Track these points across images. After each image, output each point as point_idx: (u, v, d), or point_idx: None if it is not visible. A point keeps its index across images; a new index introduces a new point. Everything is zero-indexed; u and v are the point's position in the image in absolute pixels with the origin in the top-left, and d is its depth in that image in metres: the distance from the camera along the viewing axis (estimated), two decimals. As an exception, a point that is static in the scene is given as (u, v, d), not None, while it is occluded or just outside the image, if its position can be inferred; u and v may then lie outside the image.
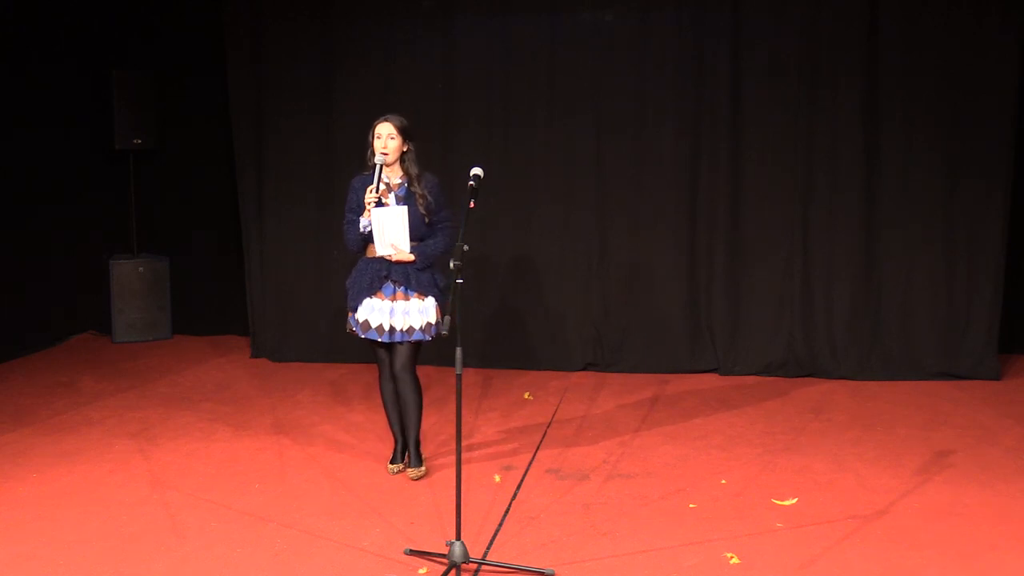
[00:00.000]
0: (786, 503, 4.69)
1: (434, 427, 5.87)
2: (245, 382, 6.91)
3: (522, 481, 5.00)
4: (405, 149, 4.87)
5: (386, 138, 4.82)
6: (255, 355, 7.56)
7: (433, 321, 4.90)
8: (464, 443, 4.81)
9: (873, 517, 4.52)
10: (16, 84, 7.34)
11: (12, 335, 7.36)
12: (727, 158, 6.98)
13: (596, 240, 7.18)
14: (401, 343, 4.88)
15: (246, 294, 7.65)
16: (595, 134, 7.10)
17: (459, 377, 3.96)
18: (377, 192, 4.79)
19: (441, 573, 3.95)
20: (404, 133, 4.85)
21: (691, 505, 4.68)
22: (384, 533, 4.38)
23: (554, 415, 6.13)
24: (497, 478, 5.04)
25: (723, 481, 4.98)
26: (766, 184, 6.96)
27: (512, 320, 7.29)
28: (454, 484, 4.03)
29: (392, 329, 4.85)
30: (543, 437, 5.71)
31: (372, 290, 4.88)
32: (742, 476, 5.05)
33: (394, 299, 4.86)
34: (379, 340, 4.89)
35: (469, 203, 4.16)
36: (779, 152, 6.93)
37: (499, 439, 5.67)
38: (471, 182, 4.22)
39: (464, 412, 5.14)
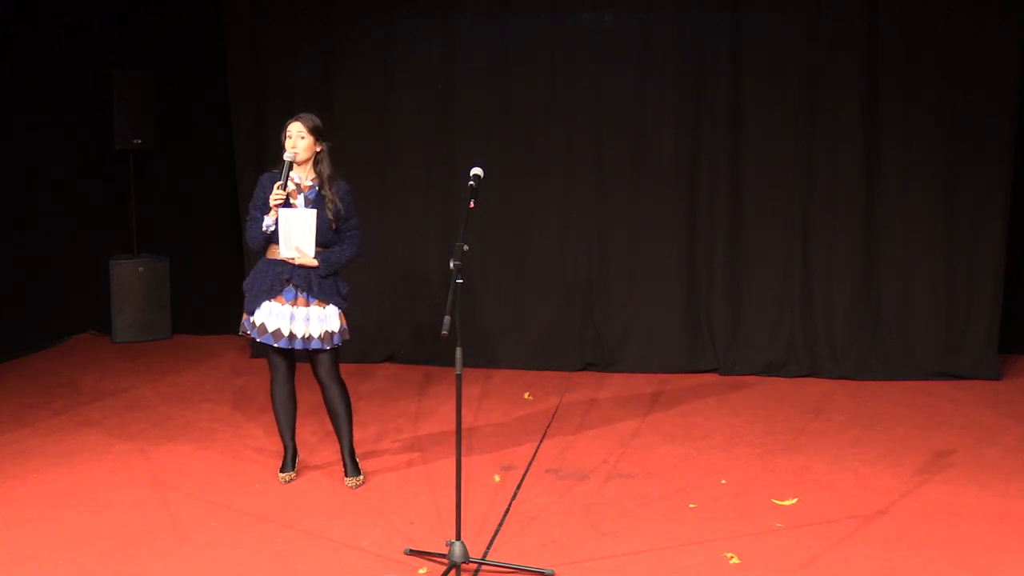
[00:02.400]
0: (786, 503, 4.69)
1: (433, 427, 5.88)
2: (245, 382, 6.91)
3: (522, 481, 5.00)
4: (318, 150, 4.76)
5: (296, 137, 4.71)
6: (255, 355, 7.55)
7: (335, 330, 4.77)
8: (464, 443, 4.80)
9: (873, 517, 4.52)
10: (16, 84, 7.34)
11: (12, 335, 7.36)
12: (727, 158, 6.98)
13: (596, 240, 7.18)
14: (320, 351, 4.76)
15: (246, 294, 7.65)
16: (595, 134, 7.10)
17: (459, 377, 3.96)
18: (284, 191, 4.65)
19: (441, 573, 3.95)
20: (316, 133, 4.74)
21: (691, 505, 4.68)
22: (384, 533, 4.38)
23: (554, 415, 6.13)
24: (497, 478, 5.04)
25: (723, 481, 4.98)
26: (766, 184, 6.96)
27: (512, 320, 7.29)
28: (454, 484, 4.03)
29: (292, 336, 4.72)
30: (543, 437, 5.71)
31: (272, 293, 4.72)
32: (742, 476, 5.05)
33: (295, 304, 4.71)
34: (275, 345, 4.75)
35: (469, 203, 4.16)
36: (779, 152, 6.93)
37: (499, 439, 5.67)
38: (471, 182, 4.22)
39: (464, 412, 5.14)
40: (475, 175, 4.23)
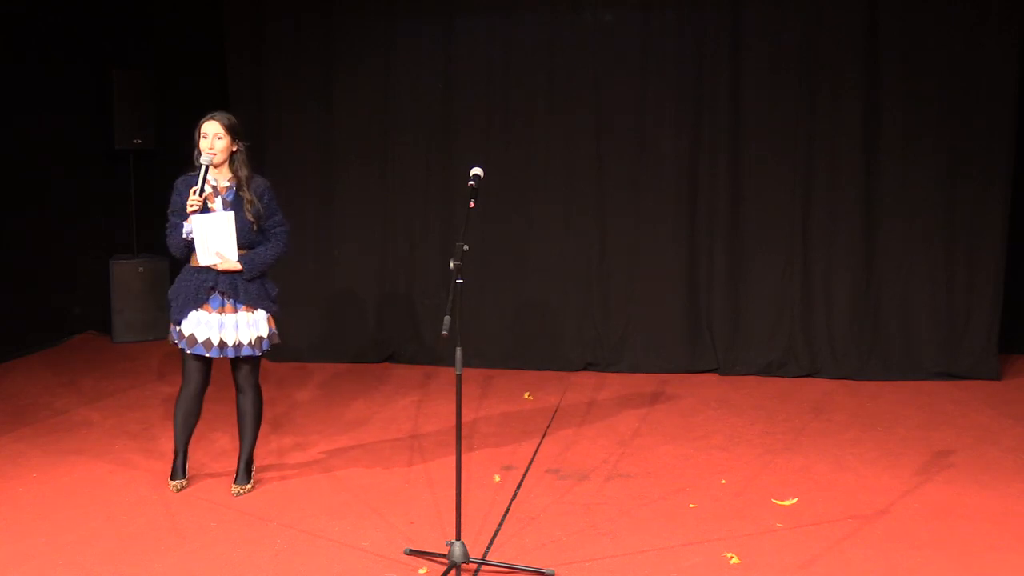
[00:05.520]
0: (786, 503, 4.69)
1: (433, 427, 5.88)
2: (245, 382, 6.90)
3: (522, 481, 5.00)
4: (235, 149, 4.59)
5: (212, 138, 4.53)
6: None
7: (264, 335, 4.68)
8: (464, 443, 4.80)
9: (873, 517, 4.52)
10: (16, 83, 7.33)
11: (12, 335, 7.36)
12: (727, 158, 6.98)
13: (596, 240, 7.17)
14: (249, 357, 4.68)
15: (246, 294, 7.64)
16: (595, 134, 7.10)
17: (459, 377, 3.96)
18: (201, 196, 4.48)
19: (441, 573, 3.95)
20: (232, 132, 4.57)
21: (691, 505, 4.68)
22: (384, 533, 4.38)
23: (554, 415, 6.13)
24: (497, 478, 5.04)
25: (723, 481, 4.98)
26: (766, 184, 6.96)
27: (512, 320, 7.28)
28: (454, 484, 4.03)
29: (223, 344, 4.60)
30: (543, 437, 5.71)
31: (199, 302, 4.59)
32: (742, 476, 5.05)
33: (222, 312, 4.60)
34: (207, 356, 4.64)
35: (469, 203, 4.16)
36: (779, 152, 6.93)
37: (499, 439, 5.67)
38: (471, 182, 4.21)
39: (464, 412, 5.14)
40: (475, 175, 4.23)
